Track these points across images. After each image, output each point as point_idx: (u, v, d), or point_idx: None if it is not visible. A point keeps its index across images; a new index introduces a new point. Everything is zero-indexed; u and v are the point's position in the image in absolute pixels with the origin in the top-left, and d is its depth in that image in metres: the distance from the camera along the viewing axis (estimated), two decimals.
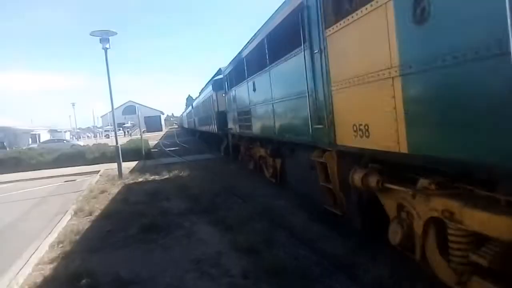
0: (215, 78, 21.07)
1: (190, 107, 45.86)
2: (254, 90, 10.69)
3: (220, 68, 21.26)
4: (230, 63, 14.85)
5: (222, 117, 17.95)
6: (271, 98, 9.01)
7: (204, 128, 28.77)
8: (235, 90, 13.70)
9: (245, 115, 12.28)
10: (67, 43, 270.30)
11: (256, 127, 11.11)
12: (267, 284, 4.92)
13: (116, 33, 16.19)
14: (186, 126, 61.46)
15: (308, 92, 6.52)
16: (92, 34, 15.91)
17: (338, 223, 6.77)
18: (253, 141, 12.98)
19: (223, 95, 16.83)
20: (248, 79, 11.26)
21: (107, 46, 16.10)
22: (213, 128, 21.59)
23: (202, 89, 31.32)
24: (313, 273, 5.16)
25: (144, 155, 22.52)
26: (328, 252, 5.89)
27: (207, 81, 30.64)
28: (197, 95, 38.32)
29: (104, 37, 15.95)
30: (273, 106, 8.93)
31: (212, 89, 20.31)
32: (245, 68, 11.60)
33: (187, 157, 23.22)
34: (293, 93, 7.41)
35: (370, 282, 4.63)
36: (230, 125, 15.70)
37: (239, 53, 12.59)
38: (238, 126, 13.73)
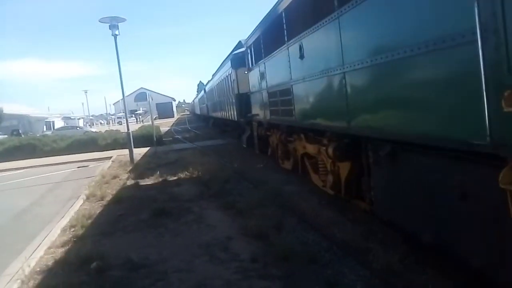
0: (234, 52, 17.29)
1: (202, 92, 42.19)
2: (302, 57, 7.40)
3: (240, 41, 17.56)
4: (255, 29, 11.44)
5: (243, 100, 15.00)
6: (341, 64, 5.58)
7: (220, 115, 24.87)
8: (264, 64, 10.58)
9: (281, 96, 9.13)
10: (80, 31, 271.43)
11: (302, 111, 7.94)
12: (276, 268, 4.91)
13: (125, 20, 16.14)
14: (198, 112, 58.28)
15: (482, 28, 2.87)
16: (101, 21, 15.88)
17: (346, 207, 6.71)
18: (293, 132, 9.57)
19: (245, 72, 13.67)
20: (290, 43, 8.01)
21: (116, 32, 16.07)
22: (232, 114, 18.46)
23: (217, 69, 25.47)
24: (322, 258, 5.12)
25: (156, 141, 22.59)
26: (337, 237, 5.84)
27: (220, 63, 24.39)
28: (210, 78, 33.14)
29: (113, 23, 15.91)
30: (345, 77, 5.54)
31: (231, 66, 16.64)
32: (285, 28, 8.32)
33: (198, 143, 23.26)
34: (424, 38, 3.58)
35: (380, 267, 4.58)
36: (256, 110, 12.69)
37: (273, 8, 9.19)
38: (269, 112, 10.55)
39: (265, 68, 10.59)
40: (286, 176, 10.61)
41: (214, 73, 27.33)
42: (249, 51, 12.73)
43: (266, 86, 10.57)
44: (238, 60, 15.56)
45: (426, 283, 4.14)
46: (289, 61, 8.20)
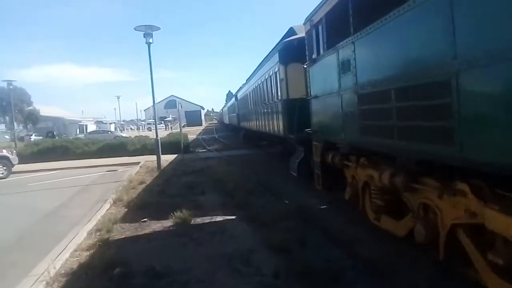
0: (285, 40, 12.60)
1: (233, 100, 38.33)
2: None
3: (291, 28, 14.04)
4: None
5: (295, 109, 10.71)
6: None
7: (255, 126, 20.02)
8: (352, 45, 6.21)
9: (402, 99, 4.75)
10: (113, 38, 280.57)
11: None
12: (299, 284, 4.80)
13: (159, 29, 16.52)
14: (226, 122, 53.86)
15: None
16: (136, 29, 16.32)
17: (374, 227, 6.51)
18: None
19: (304, 66, 9.16)
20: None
21: (150, 40, 16.47)
22: (275, 127, 13.73)
23: (254, 71, 20.43)
24: (346, 277, 4.97)
25: (183, 148, 22.88)
26: (363, 256, 5.66)
27: (259, 63, 18.41)
28: (243, 83, 27.88)
29: (148, 32, 16.31)
30: None
31: (279, 60, 12.15)
32: None
33: (224, 152, 23.38)
34: None
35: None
36: (323, 123, 8.38)
37: None
38: (359, 128, 6.14)
39: (354, 51, 6.15)
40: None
41: (249, 77, 22.70)
42: (314, 32, 8.25)
43: (355, 83, 6.18)
44: (289, 51, 11.44)
45: None
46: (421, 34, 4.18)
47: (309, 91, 8.93)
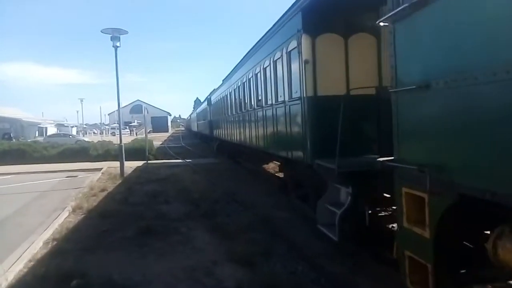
0: None
1: (204, 104, 31.93)
2: None
3: None
4: None
5: (332, 115, 6.09)
6: None
7: (237, 138, 15.13)
8: None
9: None
10: (80, 39, 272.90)
11: None
12: None
13: (127, 32, 16.25)
14: (194, 129, 49.17)
15: None
16: (103, 31, 15.96)
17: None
18: None
19: (383, 24, 4.17)
20: None
21: (118, 44, 16.13)
22: (285, 144, 8.59)
23: (240, 62, 14.50)
24: None
25: (148, 155, 22.44)
26: (326, 269, 5.72)
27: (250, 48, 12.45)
28: (218, 85, 22.44)
29: (115, 35, 15.98)
30: None
31: (302, 28, 6.98)
32: None
33: (191, 160, 23.10)
34: None
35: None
36: (448, 150, 3.28)
37: None
38: None
39: None
40: None
41: (230, 74, 17.24)
42: None
43: None
44: (321, 12, 6.82)
45: None
46: None
47: (394, 76, 4.05)
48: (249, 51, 12.64)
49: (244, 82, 13.26)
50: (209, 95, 28.57)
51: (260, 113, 10.83)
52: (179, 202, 10.79)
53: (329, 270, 5.64)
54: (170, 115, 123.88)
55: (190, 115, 70.84)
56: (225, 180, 14.57)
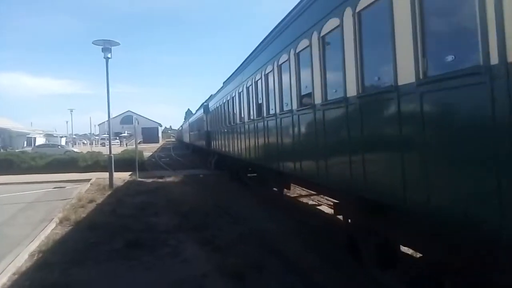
0: None
1: (199, 112, 28.49)
2: None
3: None
4: None
5: None
6: None
7: (253, 155, 11.72)
8: None
9: None
10: (71, 50, 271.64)
11: None
12: None
13: (119, 44, 16.23)
14: (187, 141, 47.07)
15: None
16: (95, 43, 15.94)
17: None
18: None
19: None
20: None
21: (109, 56, 16.10)
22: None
23: (258, 48, 10.97)
24: None
25: (138, 166, 22.25)
26: (318, 283, 5.66)
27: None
28: (217, 91, 20.46)
29: (106, 46, 15.95)
30: None
31: None
32: None
33: (181, 172, 22.95)
34: None
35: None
36: None
37: None
38: None
39: None
40: None
41: (239, 69, 13.91)
42: None
43: None
44: None
45: None
46: None
47: None
48: (267, 37, 10.02)
49: (258, 80, 10.39)
50: (205, 102, 25.09)
51: (303, 118, 7.24)
52: (169, 214, 10.67)
53: (321, 283, 5.58)
54: (161, 126, 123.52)
55: (181, 126, 69.19)
56: (216, 191, 14.49)
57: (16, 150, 37.01)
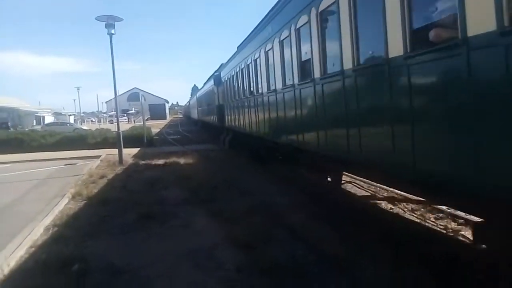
0: None
1: (210, 84, 24.81)
2: None
3: None
4: None
5: None
6: None
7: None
8: None
9: None
10: (75, 27, 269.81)
11: None
12: (260, 280, 4.82)
13: (122, 19, 16.05)
14: (195, 116, 45.60)
15: None
16: (98, 19, 15.77)
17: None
18: None
19: None
20: None
21: (112, 31, 15.96)
22: None
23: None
24: (309, 273, 5.05)
25: (146, 142, 22.44)
26: (327, 252, 5.77)
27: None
28: (230, 57, 17.52)
29: (110, 22, 15.79)
30: None
31: None
32: None
33: (189, 147, 23.10)
34: None
35: (369, 283, 4.52)
36: None
37: None
38: None
39: None
40: None
41: (261, 24, 11.18)
42: None
43: None
44: None
45: None
46: None
47: None
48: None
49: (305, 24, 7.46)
50: (216, 72, 22.18)
51: None
52: (178, 188, 10.82)
53: (330, 252, 5.68)
54: (168, 102, 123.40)
55: (189, 101, 67.96)
56: (224, 165, 14.60)
57: (26, 129, 37.39)
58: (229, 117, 18.14)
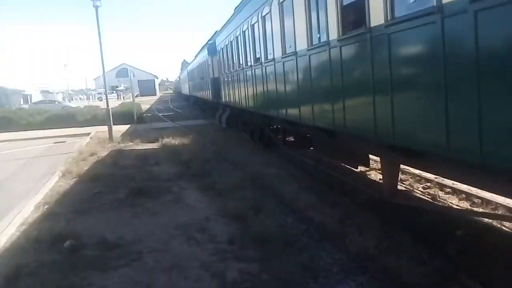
0: None
1: (204, 53, 21.67)
2: None
3: None
4: None
5: None
6: None
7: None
8: None
9: None
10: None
11: None
12: (253, 250, 4.88)
13: None
14: (186, 92, 42.53)
15: None
16: None
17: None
18: None
19: None
20: None
21: (98, 4, 15.49)
22: None
23: None
24: (299, 242, 5.12)
25: (136, 119, 22.26)
26: (315, 220, 5.84)
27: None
28: (228, 20, 14.28)
29: None
30: None
31: None
32: None
33: (179, 122, 22.94)
34: None
35: (356, 251, 4.60)
36: None
37: None
38: None
39: None
40: None
41: None
42: None
43: None
44: None
45: (400, 269, 4.18)
46: None
47: None
48: None
49: None
50: (210, 40, 19.69)
51: None
52: (170, 163, 10.80)
53: (318, 220, 5.75)
54: (157, 78, 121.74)
55: (179, 76, 65.19)
56: (215, 139, 14.58)
57: (13, 108, 36.79)
58: (226, 92, 15.64)
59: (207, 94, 21.04)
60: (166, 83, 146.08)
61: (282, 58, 8.05)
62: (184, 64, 71.87)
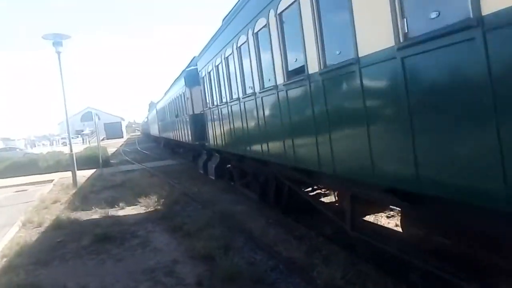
0: None
1: (180, 86, 16.93)
2: None
3: None
4: None
5: None
6: None
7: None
8: None
9: None
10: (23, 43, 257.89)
11: None
12: None
13: (70, 37, 15.64)
14: (155, 133, 39.55)
15: None
16: (45, 37, 15.27)
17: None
18: None
19: None
20: None
21: (60, 50, 15.49)
22: None
23: None
24: (268, 278, 5.12)
25: (102, 162, 21.79)
26: (283, 255, 5.86)
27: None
28: (212, 37, 10.32)
29: (57, 40, 15.33)
30: None
31: None
32: None
33: (147, 164, 22.64)
34: None
35: (324, 283, 4.64)
36: None
37: None
38: None
39: None
40: None
41: None
42: None
43: None
44: None
45: None
46: None
47: None
48: None
49: None
50: (188, 67, 15.86)
51: None
52: (137, 206, 10.59)
53: (286, 255, 5.78)
54: (124, 120, 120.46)
55: (147, 117, 61.01)
56: (183, 180, 14.48)
57: None
58: (214, 132, 11.52)
59: (185, 135, 16.97)
60: (133, 125, 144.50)
61: None
62: (152, 104, 71.32)
